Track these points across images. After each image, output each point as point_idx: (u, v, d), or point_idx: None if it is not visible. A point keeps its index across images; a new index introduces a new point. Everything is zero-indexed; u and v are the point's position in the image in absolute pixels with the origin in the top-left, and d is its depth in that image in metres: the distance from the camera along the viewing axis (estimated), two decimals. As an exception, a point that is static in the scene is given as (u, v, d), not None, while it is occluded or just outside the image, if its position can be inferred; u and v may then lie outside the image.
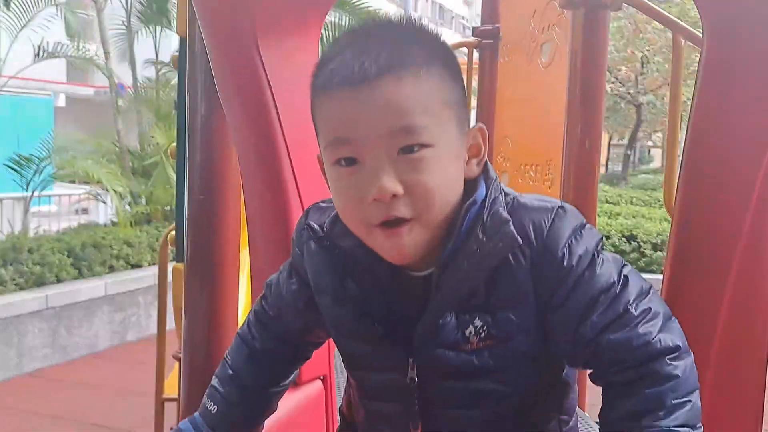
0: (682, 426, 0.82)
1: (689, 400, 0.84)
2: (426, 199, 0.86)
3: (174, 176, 4.08)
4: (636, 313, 0.88)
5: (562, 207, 0.94)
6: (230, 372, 1.13)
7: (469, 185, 0.93)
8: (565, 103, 2.51)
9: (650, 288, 0.93)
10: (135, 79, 8.52)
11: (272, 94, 1.44)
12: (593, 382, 0.94)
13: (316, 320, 1.06)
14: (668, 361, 0.85)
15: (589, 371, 0.94)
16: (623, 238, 6.87)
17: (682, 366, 0.85)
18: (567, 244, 0.90)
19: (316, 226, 1.00)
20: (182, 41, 1.99)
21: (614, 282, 0.91)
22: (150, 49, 8.52)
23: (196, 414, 1.15)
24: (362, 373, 1.03)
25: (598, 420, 0.90)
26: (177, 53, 2.32)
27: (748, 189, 1.11)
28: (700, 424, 0.84)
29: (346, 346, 1.02)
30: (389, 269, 0.92)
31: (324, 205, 1.04)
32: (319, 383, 1.59)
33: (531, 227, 0.91)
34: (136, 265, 6.37)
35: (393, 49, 0.86)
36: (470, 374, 0.92)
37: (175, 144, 2.31)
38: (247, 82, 1.43)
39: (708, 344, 1.14)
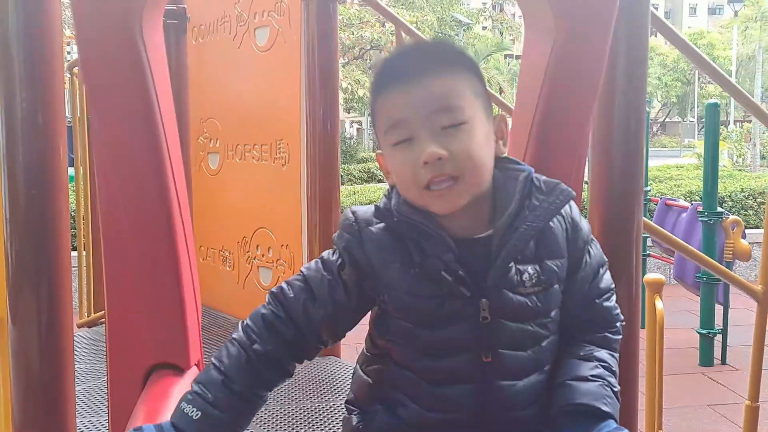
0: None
1: None
2: (466, 158, 1.09)
3: None
4: (613, 288, 1.23)
5: None
6: (221, 378, 1.14)
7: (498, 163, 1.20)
8: (302, 86, 2.81)
9: None
10: None
11: (154, 84, 1.44)
12: (566, 342, 1.21)
13: (346, 310, 1.17)
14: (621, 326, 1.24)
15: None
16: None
17: None
18: (581, 220, 1.20)
19: (379, 212, 1.16)
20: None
21: (606, 260, 1.23)
22: None
23: (166, 423, 1.14)
24: (427, 335, 1.14)
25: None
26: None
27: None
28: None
29: (415, 306, 1.13)
30: (447, 234, 1.13)
31: (361, 207, 1.21)
32: (196, 370, 1.65)
33: None
34: None
35: (431, 59, 1.15)
36: (523, 315, 1.13)
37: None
38: (129, 72, 1.40)
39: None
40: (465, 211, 1.13)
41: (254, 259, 3.14)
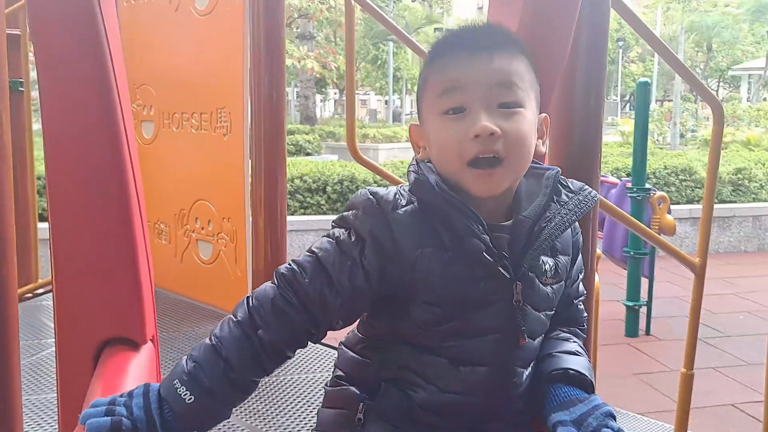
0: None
1: None
2: (516, 141, 1.09)
3: None
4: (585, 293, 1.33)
5: None
6: (221, 363, 1.07)
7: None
8: (245, 54, 2.74)
9: None
10: None
11: (107, 39, 1.38)
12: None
13: (364, 296, 1.12)
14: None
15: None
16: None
17: None
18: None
19: (417, 182, 1.12)
20: None
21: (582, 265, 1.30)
22: None
23: (153, 405, 1.06)
24: (459, 318, 1.12)
25: None
26: None
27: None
28: None
29: (450, 290, 1.10)
30: (476, 218, 1.10)
31: (376, 189, 1.15)
32: (151, 345, 1.61)
33: None
34: None
35: (499, 37, 1.15)
36: (543, 304, 1.17)
37: None
38: (82, 27, 1.34)
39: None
40: (493, 197, 1.13)
41: (193, 232, 3.07)
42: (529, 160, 1.15)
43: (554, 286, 1.19)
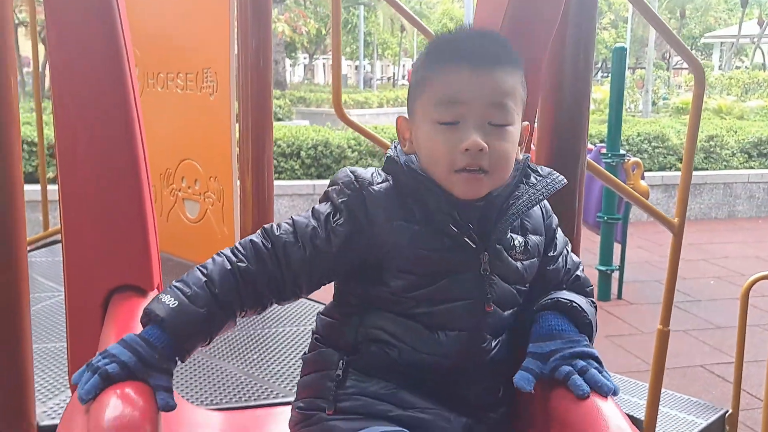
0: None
1: None
2: (501, 157, 1.20)
3: None
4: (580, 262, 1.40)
5: None
6: (203, 279, 1.18)
7: None
8: (231, 15, 2.78)
9: None
10: None
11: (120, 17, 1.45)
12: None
13: (324, 257, 1.23)
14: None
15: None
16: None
17: None
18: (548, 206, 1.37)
19: (388, 161, 1.26)
20: None
21: (567, 240, 1.39)
22: None
23: (131, 338, 1.13)
24: (431, 284, 1.23)
25: None
26: None
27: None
28: None
29: (420, 258, 1.22)
30: (442, 193, 1.23)
31: (356, 168, 1.28)
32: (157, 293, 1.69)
33: None
34: None
35: (501, 51, 1.24)
36: (512, 278, 1.27)
37: None
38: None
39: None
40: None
41: (179, 191, 3.14)
42: (511, 169, 1.25)
43: (525, 263, 1.29)
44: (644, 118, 14.07)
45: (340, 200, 1.24)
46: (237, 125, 2.87)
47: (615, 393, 1.17)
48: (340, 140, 7.94)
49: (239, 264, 1.21)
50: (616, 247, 5.52)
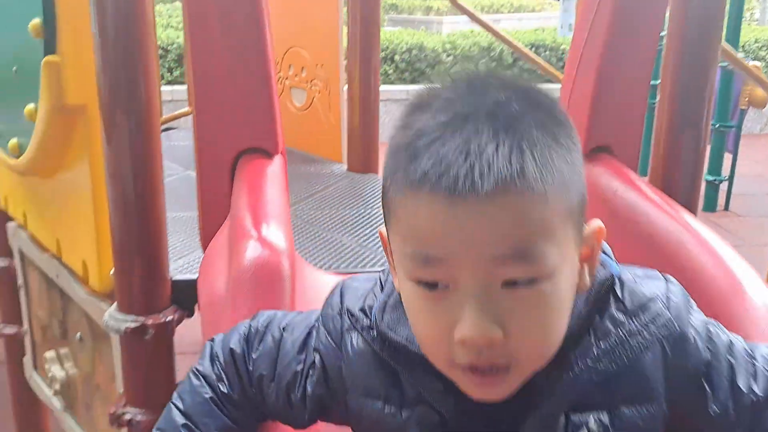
0: None
1: None
2: (532, 344, 0.72)
3: None
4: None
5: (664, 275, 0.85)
6: (183, 420, 0.90)
7: None
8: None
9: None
10: None
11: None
12: None
13: (296, 415, 0.92)
14: None
15: None
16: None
17: None
18: (690, 324, 0.81)
19: (358, 313, 0.86)
20: None
21: (730, 341, 0.83)
22: None
23: None
24: None
25: None
26: None
27: None
28: None
29: None
30: (436, 376, 0.79)
31: (357, 285, 0.91)
32: (281, 157, 1.76)
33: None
34: None
35: (514, 142, 0.67)
36: None
37: None
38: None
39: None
40: None
41: (286, 79, 3.21)
42: (554, 348, 0.76)
43: None
44: (762, 26, 13.31)
45: (317, 344, 0.90)
46: (344, 9, 2.90)
47: None
48: (435, 44, 7.86)
49: (219, 386, 0.93)
50: (727, 158, 5.35)
